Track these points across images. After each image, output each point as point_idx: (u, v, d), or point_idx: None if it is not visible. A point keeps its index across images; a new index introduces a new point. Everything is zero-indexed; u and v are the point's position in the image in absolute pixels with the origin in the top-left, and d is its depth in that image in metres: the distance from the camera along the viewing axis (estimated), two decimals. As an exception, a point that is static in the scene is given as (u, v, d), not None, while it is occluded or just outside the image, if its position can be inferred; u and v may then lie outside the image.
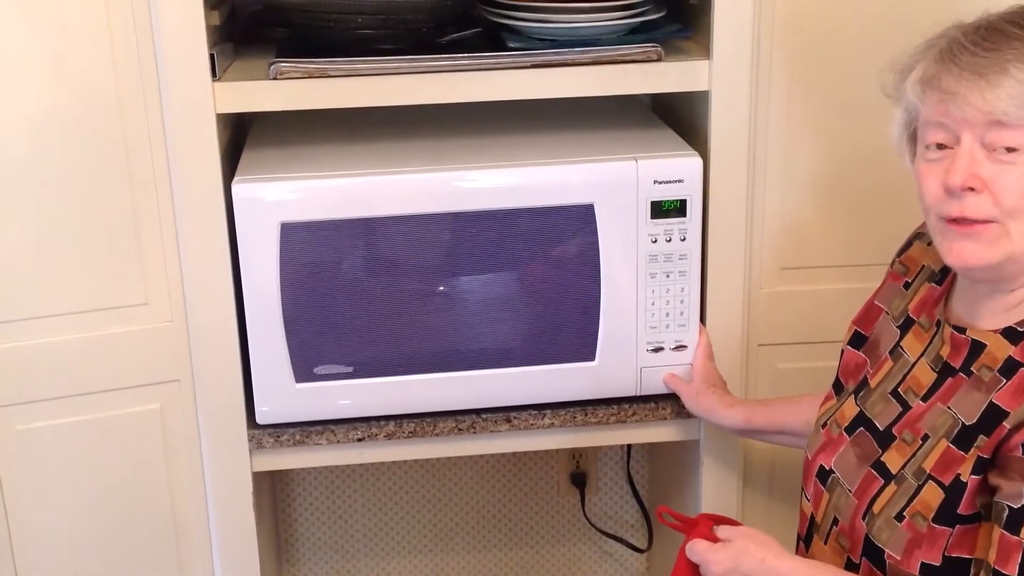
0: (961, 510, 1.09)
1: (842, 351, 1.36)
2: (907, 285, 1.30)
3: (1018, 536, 1.03)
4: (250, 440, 1.57)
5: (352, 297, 1.51)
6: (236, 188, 1.46)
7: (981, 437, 1.09)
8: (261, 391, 1.54)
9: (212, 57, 1.43)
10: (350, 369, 1.54)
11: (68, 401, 1.52)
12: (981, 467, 1.08)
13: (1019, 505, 1.04)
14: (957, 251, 1.11)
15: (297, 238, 1.47)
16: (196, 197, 1.47)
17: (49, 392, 1.51)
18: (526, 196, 1.50)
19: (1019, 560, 1.03)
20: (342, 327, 1.52)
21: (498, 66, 1.50)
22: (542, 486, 2.14)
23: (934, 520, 1.11)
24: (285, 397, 1.54)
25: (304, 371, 1.53)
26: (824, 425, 1.30)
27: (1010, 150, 1.06)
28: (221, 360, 1.54)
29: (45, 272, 1.47)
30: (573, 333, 1.56)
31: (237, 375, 1.54)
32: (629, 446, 2.05)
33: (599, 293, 1.54)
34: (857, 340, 1.34)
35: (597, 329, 1.56)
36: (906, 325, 1.27)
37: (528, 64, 1.50)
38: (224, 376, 1.54)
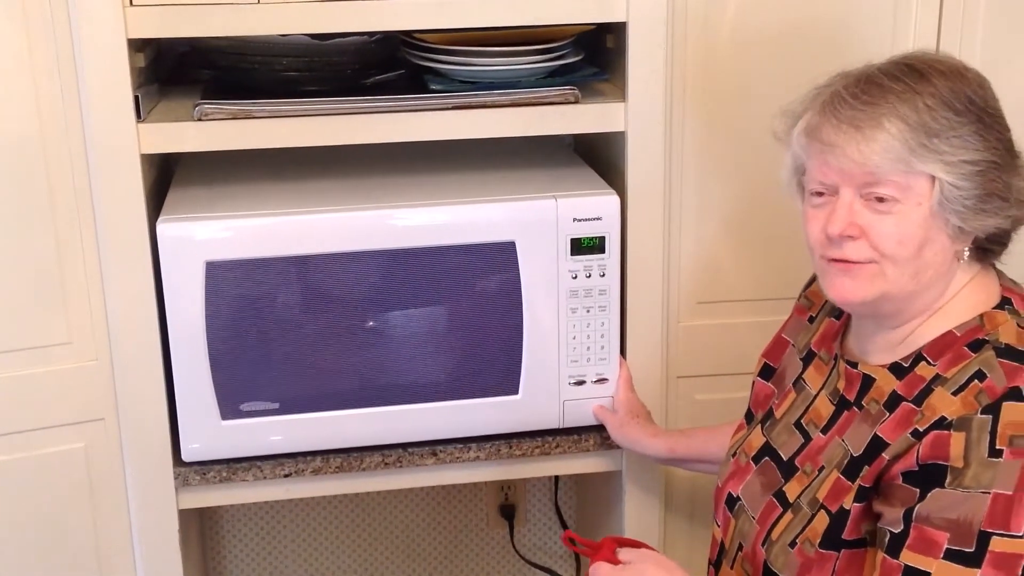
0: (845, 535, 1.14)
1: (753, 382, 1.40)
2: (811, 319, 1.35)
3: (898, 559, 1.08)
4: (176, 478, 1.57)
5: (277, 335, 1.53)
6: (161, 227, 1.47)
7: (864, 467, 1.14)
8: (187, 429, 1.54)
9: (136, 99, 1.45)
10: (276, 406, 1.56)
11: (-9, 441, 1.51)
12: (863, 495, 1.13)
13: (899, 530, 1.08)
14: (837, 287, 1.16)
15: (222, 277, 1.49)
16: (120, 236, 1.48)
17: (-29, 432, 1.50)
18: (448, 234, 1.53)
19: None
20: (268, 364, 1.54)
21: (420, 107, 1.53)
22: (472, 519, 2.15)
23: (820, 545, 1.15)
24: (211, 434, 1.55)
25: (230, 408, 1.54)
26: (734, 454, 1.34)
27: (884, 199, 1.11)
28: (146, 398, 1.54)
29: (-33, 312, 1.47)
30: (497, 367, 1.59)
31: (163, 413, 1.55)
32: (557, 477, 2.08)
33: (522, 328, 1.58)
34: (766, 372, 1.39)
35: (520, 363, 1.59)
36: (808, 358, 1.32)
37: (450, 106, 1.54)
38: (149, 414, 1.55)
